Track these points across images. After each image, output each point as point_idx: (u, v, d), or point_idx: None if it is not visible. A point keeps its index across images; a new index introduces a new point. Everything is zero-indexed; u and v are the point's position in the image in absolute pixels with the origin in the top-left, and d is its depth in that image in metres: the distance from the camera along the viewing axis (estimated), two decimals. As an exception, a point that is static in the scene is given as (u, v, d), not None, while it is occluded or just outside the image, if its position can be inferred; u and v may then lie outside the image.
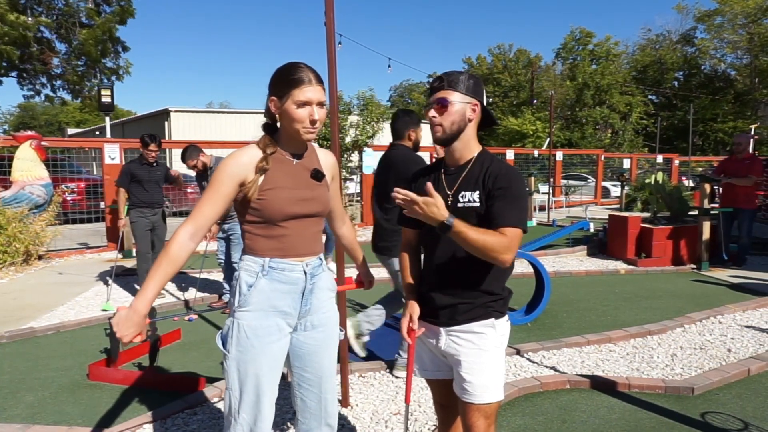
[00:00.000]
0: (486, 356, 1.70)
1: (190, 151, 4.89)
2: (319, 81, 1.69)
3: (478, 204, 1.67)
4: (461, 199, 1.70)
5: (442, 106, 1.69)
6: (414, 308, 1.76)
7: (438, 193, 1.73)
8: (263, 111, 1.79)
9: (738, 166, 6.62)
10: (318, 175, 1.79)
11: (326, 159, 1.89)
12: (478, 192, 1.68)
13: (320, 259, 1.85)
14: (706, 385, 3.14)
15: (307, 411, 1.88)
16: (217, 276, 6.12)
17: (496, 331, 1.72)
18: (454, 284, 1.72)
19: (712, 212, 6.64)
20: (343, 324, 2.89)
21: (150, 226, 5.25)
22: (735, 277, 6.20)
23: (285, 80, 1.68)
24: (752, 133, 14.47)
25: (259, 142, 1.74)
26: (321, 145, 4.85)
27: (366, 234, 9.97)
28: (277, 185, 1.70)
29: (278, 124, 1.77)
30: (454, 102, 1.68)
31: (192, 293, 5.56)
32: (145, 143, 5.18)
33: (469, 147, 1.75)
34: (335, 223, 2.09)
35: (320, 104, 1.69)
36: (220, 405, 2.99)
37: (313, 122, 1.68)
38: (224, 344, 1.74)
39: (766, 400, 3.01)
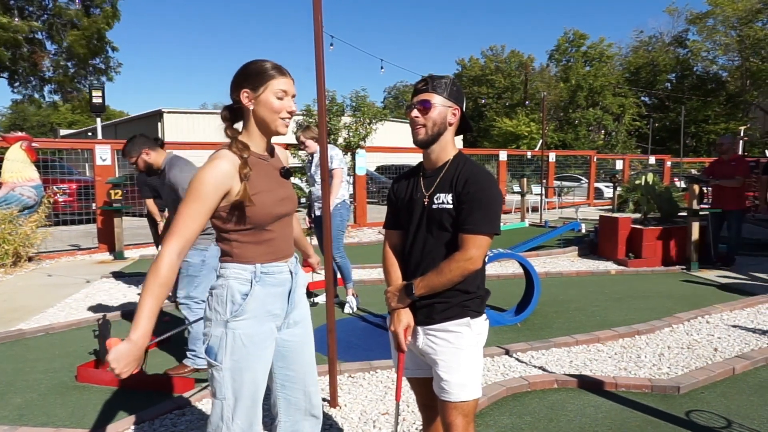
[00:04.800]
0: (462, 355, 1.72)
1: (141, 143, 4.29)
2: (290, 74, 1.73)
3: (450, 206, 1.71)
4: (436, 201, 1.74)
5: (425, 107, 1.72)
6: (410, 317, 1.76)
7: (416, 195, 1.80)
8: (221, 111, 1.75)
9: (725, 167, 6.69)
10: (287, 174, 1.81)
11: (283, 154, 1.92)
12: (450, 195, 1.71)
13: (295, 256, 1.89)
14: (691, 384, 3.17)
15: (292, 408, 1.88)
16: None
17: (472, 330, 1.74)
18: None
19: (701, 213, 6.69)
20: (331, 319, 2.91)
21: None
22: (723, 277, 6.25)
23: (260, 71, 1.67)
24: (741, 134, 14.60)
25: (231, 145, 1.67)
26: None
27: (359, 236, 9.96)
28: (260, 189, 1.68)
29: (239, 128, 1.73)
30: (437, 105, 1.72)
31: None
32: None
33: (446, 150, 1.79)
34: None
35: (294, 97, 1.72)
36: (209, 405, 2.99)
37: (291, 113, 1.70)
38: (215, 356, 1.68)
39: (750, 398, 3.04)
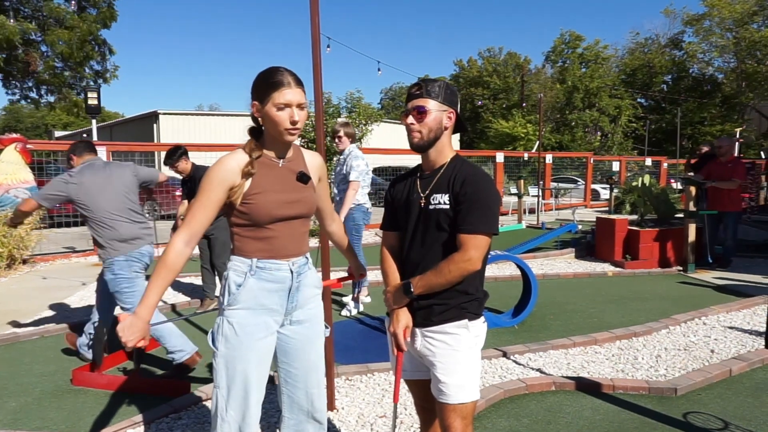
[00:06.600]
0: (460, 357, 1.72)
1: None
2: (299, 83, 1.73)
3: (447, 206, 1.71)
4: (432, 202, 1.74)
5: (420, 113, 1.72)
6: (408, 317, 1.76)
7: (412, 196, 1.80)
8: (250, 114, 1.82)
9: (722, 169, 6.71)
10: (304, 178, 1.82)
11: (313, 160, 1.93)
12: (447, 195, 1.72)
13: (306, 257, 1.90)
14: (688, 386, 3.18)
15: (295, 406, 1.91)
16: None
17: (469, 332, 1.74)
18: None
19: (697, 214, 6.70)
20: (329, 321, 2.90)
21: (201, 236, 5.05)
22: (720, 278, 6.26)
23: (265, 84, 1.71)
24: (737, 136, 14.66)
25: (245, 146, 1.77)
26: (310, 149, 4.83)
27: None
28: (264, 189, 1.73)
29: (263, 128, 1.80)
30: (432, 110, 1.73)
31: (179, 297, 5.54)
32: None
33: (443, 153, 1.79)
34: (325, 221, 2.12)
35: (300, 106, 1.72)
36: (206, 409, 2.98)
37: (293, 123, 1.71)
38: (214, 342, 1.79)
39: (747, 400, 3.05)
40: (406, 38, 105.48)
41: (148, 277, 3.29)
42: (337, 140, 4.83)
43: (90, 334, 3.68)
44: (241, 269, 1.77)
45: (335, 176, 4.95)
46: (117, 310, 3.67)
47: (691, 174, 7.53)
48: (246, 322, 1.75)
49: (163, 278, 1.65)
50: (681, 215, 7.19)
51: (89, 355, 3.61)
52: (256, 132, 1.80)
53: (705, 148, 8.96)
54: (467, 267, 1.65)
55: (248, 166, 1.72)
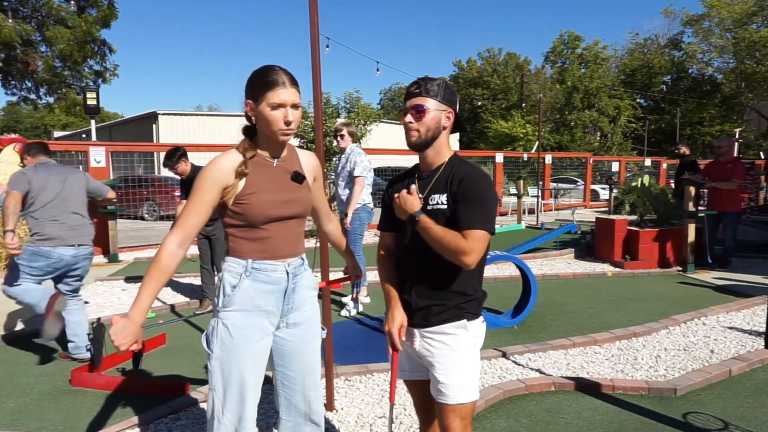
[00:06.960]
0: (459, 357, 1.71)
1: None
2: (294, 83, 1.71)
3: (445, 206, 1.70)
4: (431, 202, 1.73)
5: (419, 112, 1.71)
6: (403, 316, 1.76)
7: None
8: (244, 114, 1.80)
9: (722, 169, 6.71)
10: (299, 178, 1.81)
11: (308, 160, 1.91)
12: (446, 195, 1.71)
13: (302, 258, 1.88)
14: (688, 386, 3.17)
15: (292, 409, 1.89)
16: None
17: (468, 332, 1.73)
18: (428, 286, 1.73)
19: (698, 214, 6.69)
20: (328, 321, 2.89)
21: (201, 237, 5.01)
22: (719, 279, 6.26)
23: (259, 83, 1.69)
24: (737, 136, 14.66)
25: (238, 146, 1.75)
26: (309, 149, 4.82)
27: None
28: (258, 189, 1.72)
29: (257, 128, 1.79)
30: (430, 109, 1.71)
31: (178, 297, 5.53)
32: None
33: (441, 153, 1.77)
34: (321, 221, 2.11)
35: (294, 106, 1.70)
36: (204, 410, 2.97)
37: (287, 123, 1.69)
38: (208, 344, 1.76)
39: (746, 400, 3.05)
40: (406, 38, 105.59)
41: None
42: (339, 138, 4.86)
43: (71, 342, 3.71)
44: (236, 270, 1.74)
45: (336, 176, 4.95)
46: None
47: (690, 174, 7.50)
48: (241, 324, 1.72)
49: (156, 280, 1.62)
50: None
51: (86, 355, 3.61)
52: (250, 131, 1.78)
53: (683, 148, 8.95)
54: (463, 257, 1.60)
55: (242, 165, 1.70)
